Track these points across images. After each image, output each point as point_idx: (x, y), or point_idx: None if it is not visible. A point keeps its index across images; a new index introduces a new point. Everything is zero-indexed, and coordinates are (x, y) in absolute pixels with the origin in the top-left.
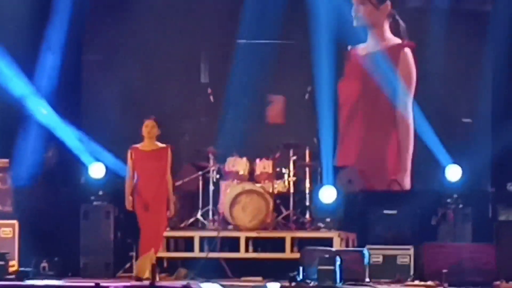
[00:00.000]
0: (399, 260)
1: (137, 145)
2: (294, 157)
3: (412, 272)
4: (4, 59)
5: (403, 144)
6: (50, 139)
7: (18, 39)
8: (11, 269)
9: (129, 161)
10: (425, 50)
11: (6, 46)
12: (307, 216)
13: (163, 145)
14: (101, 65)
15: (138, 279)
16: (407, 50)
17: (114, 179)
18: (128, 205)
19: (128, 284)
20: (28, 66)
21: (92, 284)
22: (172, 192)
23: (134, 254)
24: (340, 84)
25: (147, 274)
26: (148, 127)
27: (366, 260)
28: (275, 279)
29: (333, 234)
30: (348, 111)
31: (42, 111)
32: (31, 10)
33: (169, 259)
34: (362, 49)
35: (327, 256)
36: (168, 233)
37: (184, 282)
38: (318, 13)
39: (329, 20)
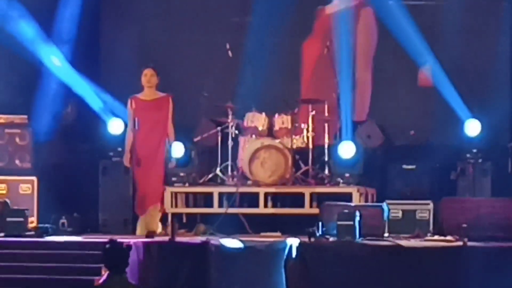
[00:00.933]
0: (418, 215)
1: (137, 95)
2: (313, 112)
3: (431, 227)
4: (24, 16)
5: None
6: (69, 95)
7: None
8: (30, 226)
9: (130, 110)
10: (443, 6)
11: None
12: (326, 171)
13: (164, 94)
14: (119, 19)
15: (150, 235)
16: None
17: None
18: (126, 161)
19: (147, 240)
20: (46, 22)
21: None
22: (174, 140)
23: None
24: (305, 43)
25: (157, 229)
26: (147, 76)
27: (385, 215)
28: (294, 234)
29: (352, 189)
30: (311, 72)
31: (57, 62)
32: None
33: (188, 215)
34: (329, 7)
35: (346, 211)
36: (187, 189)
37: (203, 238)
38: None
39: None
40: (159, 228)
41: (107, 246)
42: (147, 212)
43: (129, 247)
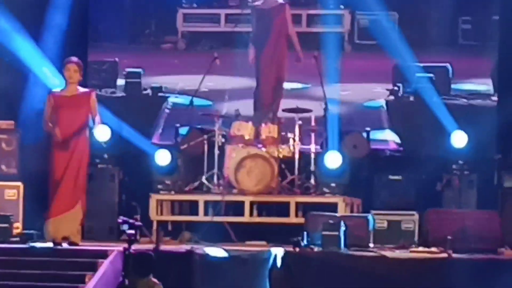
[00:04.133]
0: (404, 226)
1: (57, 90)
2: (300, 122)
3: (416, 238)
4: (8, 20)
5: None
6: None
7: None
8: (15, 231)
9: (48, 108)
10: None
11: (12, 11)
12: (312, 181)
13: (86, 89)
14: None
15: (56, 242)
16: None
17: (119, 142)
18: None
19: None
20: (34, 28)
21: (95, 248)
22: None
23: (139, 217)
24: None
25: (72, 236)
26: (70, 71)
27: (370, 226)
28: (279, 244)
29: (338, 199)
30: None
31: (46, 72)
32: None
33: (174, 223)
34: None
35: (331, 221)
36: (173, 197)
37: (188, 246)
38: None
39: None
40: (78, 235)
41: (129, 252)
42: (63, 215)
43: (153, 252)
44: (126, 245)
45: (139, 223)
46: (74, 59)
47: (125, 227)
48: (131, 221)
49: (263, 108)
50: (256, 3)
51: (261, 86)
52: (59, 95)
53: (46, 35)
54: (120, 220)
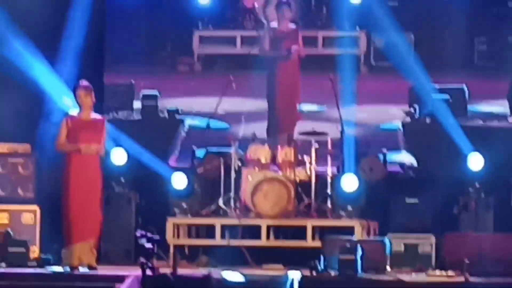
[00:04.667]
0: (421, 249)
1: (73, 113)
2: (316, 145)
3: (433, 262)
4: (26, 46)
5: None
6: None
7: (40, 28)
8: (32, 256)
9: (63, 130)
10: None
11: (28, 34)
12: (329, 204)
13: (99, 116)
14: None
15: (73, 267)
16: None
17: (136, 166)
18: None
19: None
20: (50, 50)
21: (112, 272)
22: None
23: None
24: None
25: (88, 262)
26: (81, 97)
27: (387, 250)
28: (296, 267)
29: (355, 223)
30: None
31: (65, 100)
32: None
33: (190, 246)
34: None
35: (348, 245)
36: (189, 220)
37: (205, 270)
38: None
39: None
40: (88, 262)
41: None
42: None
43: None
44: (143, 260)
45: (157, 237)
46: (83, 83)
47: (143, 240)
48: (149, 234)
49: (278, 131)
50: (271, 25)
51: (276, 109)
52: (77, 118)
53: (63, 57)
54: (138, 234)
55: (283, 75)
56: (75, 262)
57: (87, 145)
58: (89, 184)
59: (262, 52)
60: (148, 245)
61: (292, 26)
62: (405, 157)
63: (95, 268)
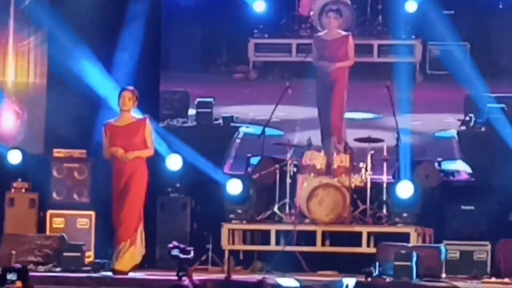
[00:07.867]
0: (476, 256)
1: (112, 120)
2: (372, 152)
3: (489, 269)
4: (84, 53)
5: None
6: None
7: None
8: (87, 260)
9: (104, 139)
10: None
11: (86, 41)
12: (384, 210)
13: (139, 116)
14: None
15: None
16: None
17: (191, 171)
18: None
19: (203, 277)
20: (106, 57)
21: (169, 277)
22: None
23: (210, 246)
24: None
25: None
26: (124, 98)
27: (442, 256)
28: (351, 273)
29: (410, 230)
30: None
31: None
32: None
33: (245, 252)
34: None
35: (403, 251)
36: (244, 226)
37: (259, 276)
38: None
39: None
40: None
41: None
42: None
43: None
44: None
45: (190, 248)
46: (130, 87)
47: (175, 251)
48: (182, 246)
49: (331, 137)
50: (320, 33)
51: (328, 116)
52: (113, 126)
53: (119, 64)
54: (171, 245)
55: (329, 82)
56: (114, 266)
57: (122, 153)
58: (127, 189)
59: (314, 60)
60: (183, 256)
61: (342, 33)
62: (461, 166)
63: (123, 273)
